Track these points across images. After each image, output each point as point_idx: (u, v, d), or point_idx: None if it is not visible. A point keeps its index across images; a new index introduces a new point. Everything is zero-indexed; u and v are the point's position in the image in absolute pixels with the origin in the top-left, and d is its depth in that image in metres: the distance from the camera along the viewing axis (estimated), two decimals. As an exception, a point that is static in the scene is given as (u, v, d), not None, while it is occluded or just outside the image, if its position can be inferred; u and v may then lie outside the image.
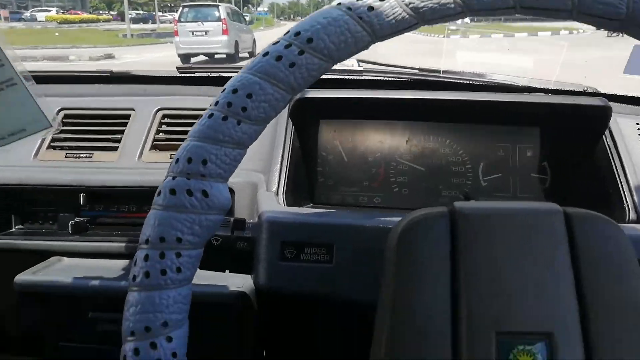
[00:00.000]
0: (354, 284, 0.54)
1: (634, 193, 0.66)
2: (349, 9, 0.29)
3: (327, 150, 0.86)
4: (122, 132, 0.90)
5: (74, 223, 0.81)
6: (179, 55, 11.56)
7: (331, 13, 0.29)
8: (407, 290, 0.34)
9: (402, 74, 1.06)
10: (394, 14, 0.29)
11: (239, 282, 0.62)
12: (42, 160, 0.86)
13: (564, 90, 0.96)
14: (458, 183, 0.84)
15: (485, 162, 0.83)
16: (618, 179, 0.69)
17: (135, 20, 36.09)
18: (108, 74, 1.11)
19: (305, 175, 0.84)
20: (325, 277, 0.55)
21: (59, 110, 0.93)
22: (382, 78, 1.03)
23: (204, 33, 11.74)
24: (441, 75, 1.05)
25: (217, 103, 0.29)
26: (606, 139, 0.73)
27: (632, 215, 0.64)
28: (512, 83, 1.01)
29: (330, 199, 0.86)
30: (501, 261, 0.34)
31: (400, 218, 0.38)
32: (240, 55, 12.71)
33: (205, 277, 0.59)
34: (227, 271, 0.61)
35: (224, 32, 11.79)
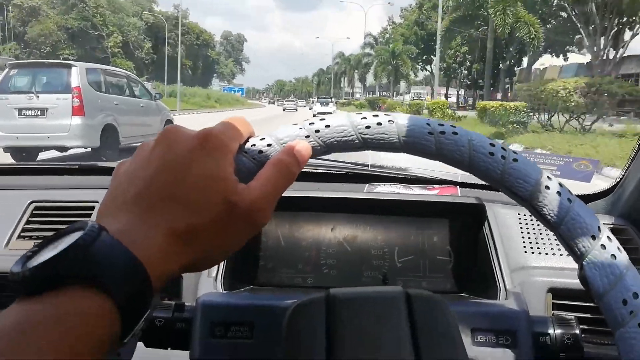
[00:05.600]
0: (270, 356, 0.66)
1: (505, 276, 0.82)
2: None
3: (267, 236, 1.00)
4: None
5: None
6: (4, 149, 7.02)
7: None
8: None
9: (335, 167, 1.23)
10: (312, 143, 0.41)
11: (178, 358, 0.73)
12: (12, 249, 0.97)
13: (469, 183, 1.15)
14: (377, 265, 0.98)
15: (399, 246, 0.99)
16: (493, 264, 0.84)
17: None
18: (76, 166, 1.25)
19: (246, 260, 0.96)
20: (247, 351, 0.67)
21: (30, 203, 1.05)
22: (317, 171, 1.20)
23: (38, 112, 6.89)
24: (369, 168, 1.23)
25: None
26: (485, 229, 0.90)
27: (502, 294, 0.79)
28: (429, 176, 1.19)
29: (270, 281, 0.98)
30: (360, 337, 0.47)
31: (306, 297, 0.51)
32: (133, 144, 8.01)
33: (148, 354, 0.70)
34: (169, 348, 0.72)
35: (76, 111, 6.85)
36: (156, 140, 0.37)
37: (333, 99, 39.63)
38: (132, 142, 8.15)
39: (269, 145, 0.40)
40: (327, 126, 0.41)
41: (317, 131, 0.41)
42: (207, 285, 0.80)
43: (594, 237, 0.38)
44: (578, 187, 1.04)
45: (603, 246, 0.38)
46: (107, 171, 1.24)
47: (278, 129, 0.41)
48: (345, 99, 68.49)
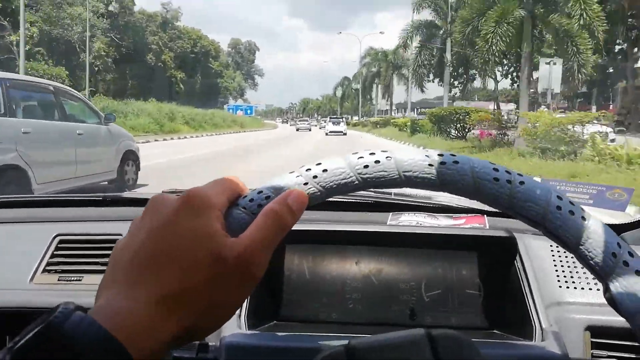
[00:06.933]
0: None
1: (540, 313, 0.78)
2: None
3: (291, 270, 0.98)
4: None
5: None
6: None
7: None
8: None
9: (358, 195, 1.21)
10: (309, 189, 0.41)
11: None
12: (37, 283, 0.97)
13: (497, 211, 1.11)
14: (404, 299, 0.95)
15: (427, 280, 0.96)
16: (526, 299, 0.81)
17: None
18: (100, 198, 1.25)
19: (270, 295, 0.95)
20: None
21: (55, 236, 1.05)
22: (340, 200, 1.18)
23: None
24: (393, 196, 1.21)
25: None
26: (517, 262, 0.87)
27: (538, 334, 0.75)
28: (455, 205, 1.17)
29: (295, 315, 0.96)
30: None
31: (334, 342, 0.49)
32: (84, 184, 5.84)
33: None
34: None
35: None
36: (143, 211, 0.38)
37: (344, 118, 39.25)
38: (61, 187, 5.46)
39: (267, 197, 0.39)
40: (325, 170, 0.40)
41: (315, 177, 0.40)
42: (230, 322, 0.78)
43: (614, 255, 0.36)
44: (612, 218, 1.01)
45: (626, 263, 0.36)
46: (132, 202, 1.24)
47: (274, 179, 0.41)
48: (379, 117, 45.34)
